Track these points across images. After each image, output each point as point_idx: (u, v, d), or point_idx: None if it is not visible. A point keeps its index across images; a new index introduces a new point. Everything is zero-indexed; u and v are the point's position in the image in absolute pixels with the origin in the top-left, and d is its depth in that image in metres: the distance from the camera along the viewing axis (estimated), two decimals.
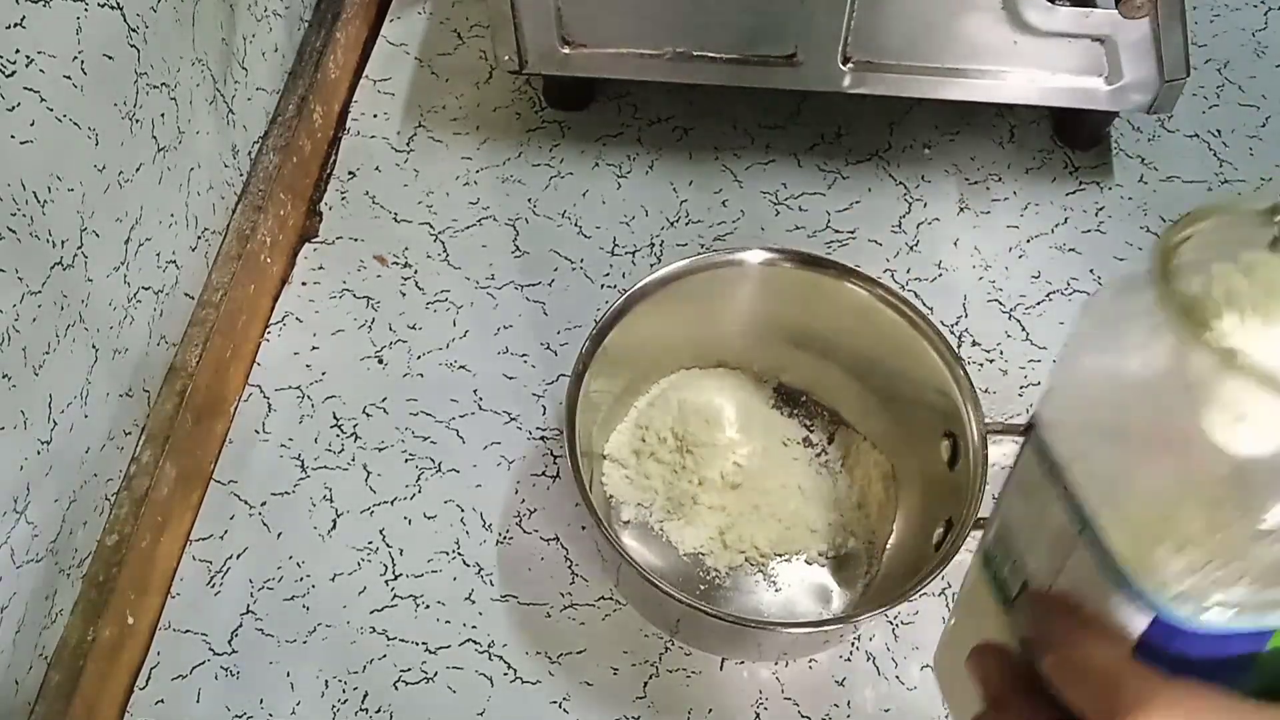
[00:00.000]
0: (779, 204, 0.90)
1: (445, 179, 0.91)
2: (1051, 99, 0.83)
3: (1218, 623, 0.32)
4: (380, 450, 0.78)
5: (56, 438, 0.61)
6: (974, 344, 0.83)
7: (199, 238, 0.77)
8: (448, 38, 0.99)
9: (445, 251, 0.87)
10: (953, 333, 0.83)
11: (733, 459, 0.73)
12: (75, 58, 0.59)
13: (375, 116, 0.95)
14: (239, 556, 0.74)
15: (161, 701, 0.69)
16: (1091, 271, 0.86)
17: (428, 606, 0.72)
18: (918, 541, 0.70)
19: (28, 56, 0.55)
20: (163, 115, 0.69)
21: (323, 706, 0.69)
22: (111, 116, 0.64)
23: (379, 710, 0.69)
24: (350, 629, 0.71)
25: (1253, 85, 0.96)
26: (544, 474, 0.77)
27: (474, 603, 0.72)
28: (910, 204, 0.90)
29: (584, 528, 0.75)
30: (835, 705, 0.69)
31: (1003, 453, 0.74)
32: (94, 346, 0.65)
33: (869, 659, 0.71)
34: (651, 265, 0.85)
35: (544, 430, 0.79)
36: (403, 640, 0.71)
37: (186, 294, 0.76)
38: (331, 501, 0.76)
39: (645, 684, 0.70)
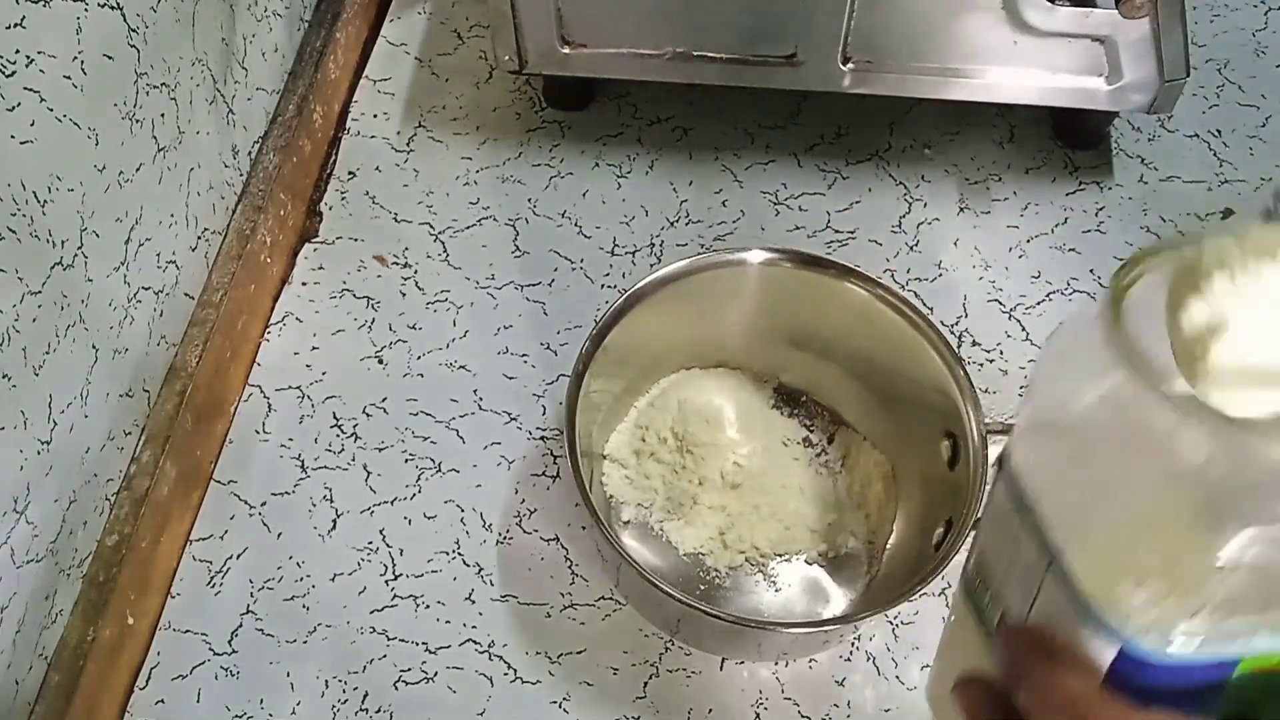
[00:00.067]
0: (779, 204, 0.90)
1: (445, 179, 0.91)
2: (1051, 99, 0.83)
3: (1183, 653, 0.32)
4: (380, 450, 0.78)
5: (56, 438, 0.61)
6: (974, 344, 0.83)
7: (199, 238, 0.77)
8: (448, 38, 0.99)
9: (445, 251, 0.87)
10: (953, 333, 0.83)
11: (733, 459, 0.73)
12: (75, 58, 0.59)
13: (375, 116, 0.95)
14: (239, 556, 0.74)
15: (161, 701, 0.69)
16: (1091, 271, 0.86)
17: (428, 606, 0.72)
18: (918, 541, 0.70)
19: (28, 56, 0.55)
20: (163, 115, 0.69)
21: (323, 706, 0.69)
22: (111, 116, 0.64)
23: (379, 710, 0.69)
24: (350, 629, 0.71)
25: (1253, 85, 0.96)
26: (544, 474, 0.77)
27: (474, 603, 0.72)
28: (910, 204, 0.90)
29: (584, 528, 0.75)
30: (835, 705, 0.69)
31: None
32: (94, 346, 0.65)
33: (869, 659, 0.71)
34: (651, 265, 0.85)
35: (544, 430, 0.79)
36: (403, 640, 0.71)
37: (186, 294, 0.76)
38: (331, 501, 0.76)
39: (645, 684, 0.70)
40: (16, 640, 0.60)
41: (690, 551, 0.72)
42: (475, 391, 0.80)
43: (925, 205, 0.90)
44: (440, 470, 0.77)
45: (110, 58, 0.63)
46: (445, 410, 0.80)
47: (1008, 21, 0.77)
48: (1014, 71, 0.81)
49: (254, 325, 0.82)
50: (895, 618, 0.72)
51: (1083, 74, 0.80)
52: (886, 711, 0.69)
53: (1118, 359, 0.31)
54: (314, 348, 0.83)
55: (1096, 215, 0.89)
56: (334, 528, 0.75)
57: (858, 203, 0.90)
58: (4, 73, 0.54)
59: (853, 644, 0.71)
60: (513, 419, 0.79)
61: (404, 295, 0.85)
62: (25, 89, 0.55)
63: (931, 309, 0.83)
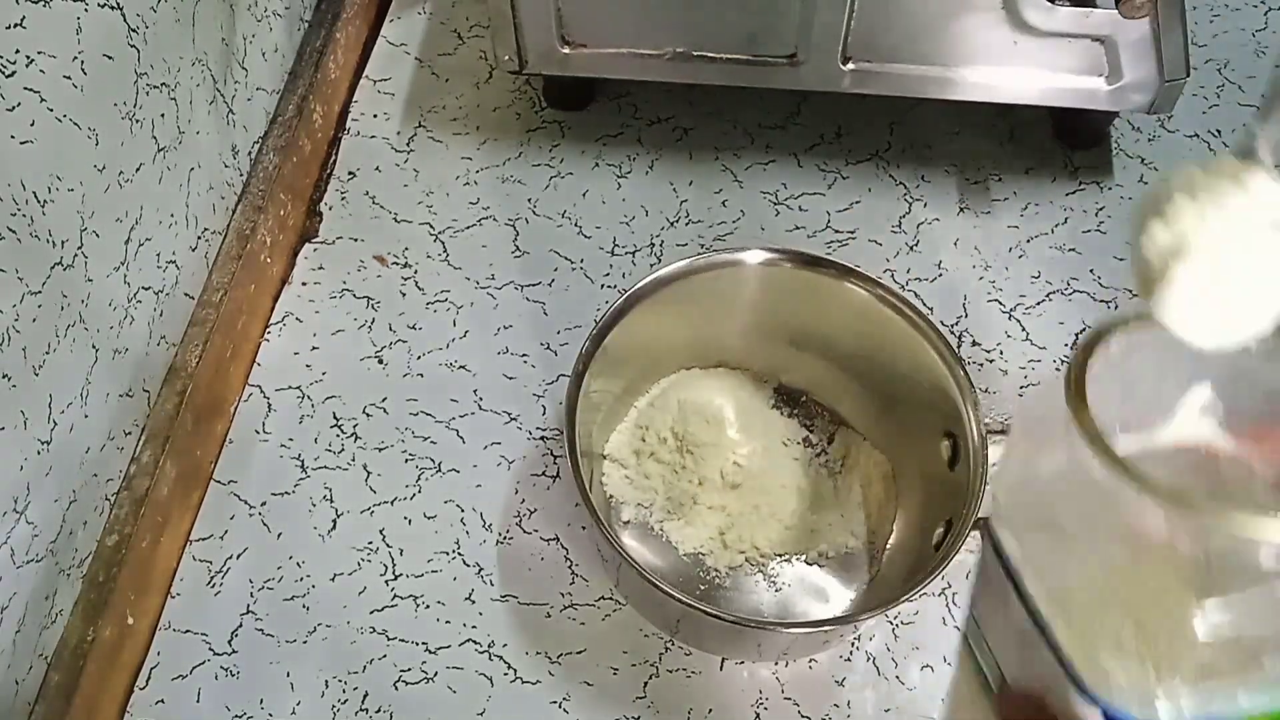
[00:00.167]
0: (779, 204, 0.90)
1: (445, 179, 0.91)
2: (1051, 99, 0.83)
3: (1169, 718, 0.32)
4: (380, 450, 0.78)
5: (56, 438, 0.61)
6: (974, 344, 0.83)
7: (199, 238, 0.77)
8: (448, 38, 0.99)
9: (445, 251, 0.87)
10: (953, 333, 0.83)
11: (733, 459, 0.73)
12: (75, 58, 0.59)
13: (375, 116, 0.95)
14: (239, 556, 0.74)
15: (161, 701, 0.69)
16: (1091, 271, 0.86)
17: (428, 606, 0.72)
18: (918, 541, 0.70)
19: (28, 56, 0.55)
20: (163, 115, 0.69)
21: (323, 706, 0.69)
22: (111, 116, 0.64)
23: (379, 710, 0.69)
24: (350, 629, 0.71)
25: (1253, 85, 0.96)
26: (544, 474, 0.77)
27: (474, 603, 0.72)
28: (910, 204, 0.90)
29: (584, 528, 0.75)
30: (835, 705, 0.69)
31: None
32: (94, 346, 0.65)
33: (869, 659, 0.71)
34: (651, 265, 0.85)
35: (544, 430, 0.79)
36: (403, 640, 0.71)
37: (186, 294, 0.76)
38: (331, 501, 0.76)
39: (645, 684, 0.70)
40: (16, 640, 0.60)
41: (690, 551, 0.72)
42: (475, 391, 0.80)
43: (925, 205, 0.90)
44: (440, 470, 0.77)
45: (110, 58, 0.63)
46: (445, 410, 0.80)
47: (1008, 21, 0.77)
48: (1014, 71, 0.81)
49: (254, 325, 0.82)
50: (895, 618, 0.72)
51: (1083, 74, 0.80)
52: (886, 711, 0.69)
53: (1080, 435, 0.31)
54: (314, 348, 0.83)
55: (1096, 215, 0.89)
56: (334, 528, 0.75)
57: (858, 203, 0.90)
58: (4, 73, 0.54)
59: (853, 644, 0.71)
60: (513, 419, 0.79)
61: (404, 295, 0.85)
62: (25, 89, 0.55)
63: (931, 309, 0.83)
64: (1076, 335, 0.83)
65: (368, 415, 0.79)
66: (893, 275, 0.86)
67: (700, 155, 0.92)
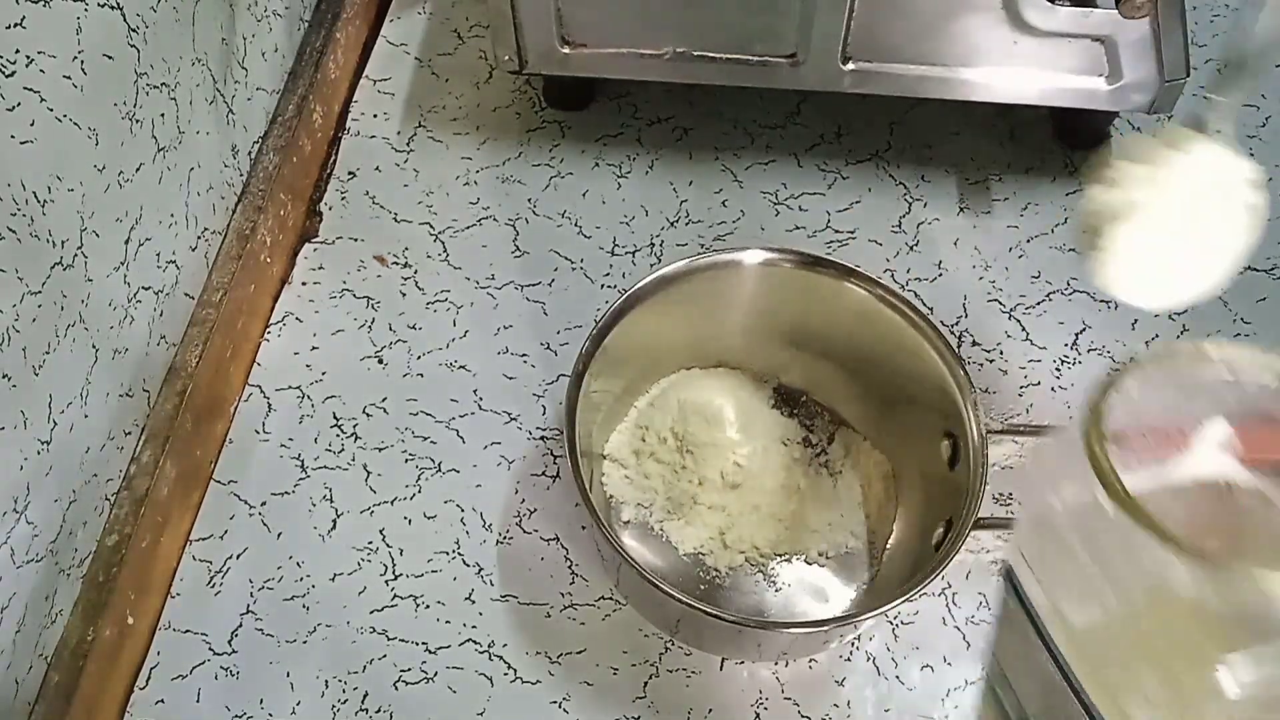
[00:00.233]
0: (779, 204, 0.90)
1: (445, 179, 0.91)
2: (1051, 99, 0.83)
3: None
4: (380, 450, 0.78)
5: (56, 438, 0.61)
6: (974, 344, 0.83)
7: (199, 238, 0.77)
8: (448, 38, 0.99)
9: (445, 251, 0.87)
10: (953, 333, 0.83)
11: (733, 459, 0.73)
12: (75, 58, 0.59)
13: (375, 116, 0.95)
14: (239, 556, 0.74)
15: (161, 701, 0.69)
16: None
17: (428, 606, 0.72)
18: (918, 541, 0.70)
19: (28, 56, 0.55)
20: (163, 115, 0.69)
21: (323, 706, 0.69)
22: (111, 116, 0.64)
23: (379, 710, 0.69)
24: (350, 629, 0.71)
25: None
26: (544, 474, 0.77)
27: (474, 603, 0.72)
28: (910, 204, 0.90)
29: (584, 528, 0.75)
30: (835, 705, 0.69)
31: (1003, 453, 0.74)
32: (94, 346, 0.65)
33: (869, 659, 0.71)
34: (651, 265, 0.85)
35: (544, 430, 0.79)
36: (403, 640, 0.71)
37: (186, 294, 0.76)
38: (331, 501, 0.76)
39: (645, 684, 0.70)
40: (16, 640, 0.60)
41: (690, 551, 0.72)
42: (475, 391, 0.80)
43: (925, 205, 0.90)
44: (440, 470, 0.77)
45: (110, 58, 0.63)
46: (445, 410, 0.80)
47: (1008, 21, 0.77)
48: (1014, 71, 0.81)
49: (254, 325, 0.82)
50: (895, 618, 0.72)
51: (1083, 74, 0.80)
52: (886, 711, 0.69)
53: (1101, 486, 0.31)
54: (314, 348, 0.83)
55: None
56: (334, 528, 0.75)
57: (858, 203, 0.90)
58: (4, 73, 0.54)
59: (853, 644, 0.71)
60: (513, 419, 0.79)
61: (404, 295, 0.85)
62: (25, 89, 0.55)
63: (931, 309, 0.83)
64: (1076, 335, 0.83)
65: (368, 415, 0.79)
66: (893, 275, 0.86)
67: (700, 155, 0.92)
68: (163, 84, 0.69)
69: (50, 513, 0.62)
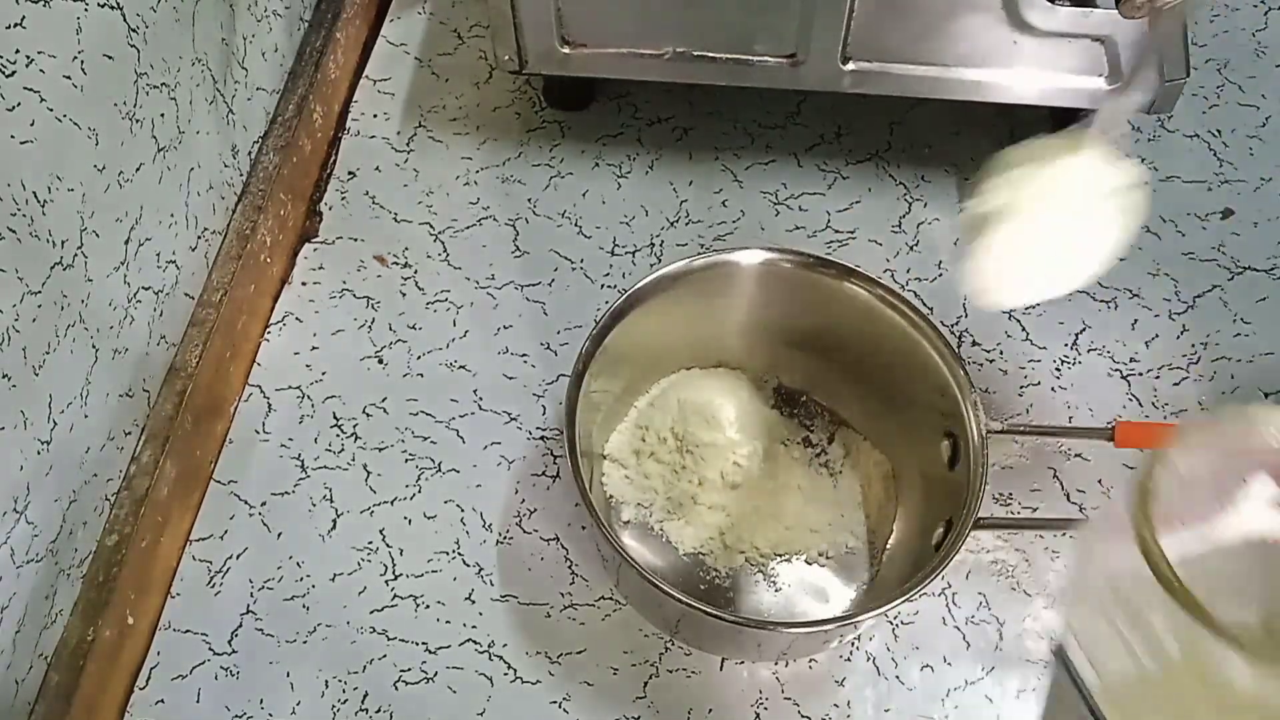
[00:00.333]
0: (779, 204, 0.90)
1: (445, 179, 0.91)
2: (1051, 99, 0.82)
3: None
4: (380, 450, 0.78)
5: (56, 438, 0.61)
6: (974, 344, 0.83)
7: (199, 238, 0.77)
8: (448, 38, 0.99)
9: (445, 251, 0.87)
10: (953, 333, 0.83)
11: (733, 459, 0.73)
12: (75, 58, 0.59)
13: (375, 116, 0.95)
14: (239, 556, 0.74)
15: (161, 701, 0.69)
16: None
17: (428, 606, 0.72)
18: (918, 541, 0.70)
19: (28, 56, 0.55)
20: (163, 115, 0.69)
21: (323, 706, 0.69)
22: (111, 116, 0.64)
23: (379, 710, 0.69)
24: (350, 629, 0.71)
25: (1253, 85, 0.96)
26: (544, 474, 0.77)
27: (474, 603, 0.72)
28: (910, 204, 0.90)
29: (584, 528, 0.75)
30: (835, 705, 0.69)
31: (1003, 453, 0.75)
32: (94, 346, 0.65)
33: (869, 659, 0.71)
34: (651, 265, 0.85)
35: (544, 430, 0.79)
36: (403, 640, 0.71)
37: (186, 294, 0.76)
38: (331, 501, 0.76)
39: (645, 684, 0.70)
40: (16, 640, 0.60)
41: (690, 551, 0.72)
42: (475, 391, 0.80)
43: (925, 205, 0.90)
44: (440, 470, 0.77)
45: (110, 58, 0.63)
46: (445, 410, 0.80)
47: (1008, 21, 0.77)
48: (1014, 71, 0.80)
49: (254, 325, 0.82)
50: (895, 618, 0.72)
51: (1083, 74, 0.80)
52: (886, 711, 0.69)
53: (1160, 583, 0.31)
54: (314, 348, 0.83)
55: None
56: (334, 528, 0.75)
57: (858, 203, 0.90)
58: (4, 73, 0.54)
59: (853, 644, 0.71)
60: (513, 419, 0.79)
61: (404, 295, 0.85)
62: (25, 89, 0.55)
63: (931, 309, 0.83)
64: (1076, 335, 0.83)
65: (368, 415, 0.79)
66: (893, 275, 0.86)
67: (700, 155, 0.92)
68: (163, 84, 0.69)
69: (50, 513, 0.62)
